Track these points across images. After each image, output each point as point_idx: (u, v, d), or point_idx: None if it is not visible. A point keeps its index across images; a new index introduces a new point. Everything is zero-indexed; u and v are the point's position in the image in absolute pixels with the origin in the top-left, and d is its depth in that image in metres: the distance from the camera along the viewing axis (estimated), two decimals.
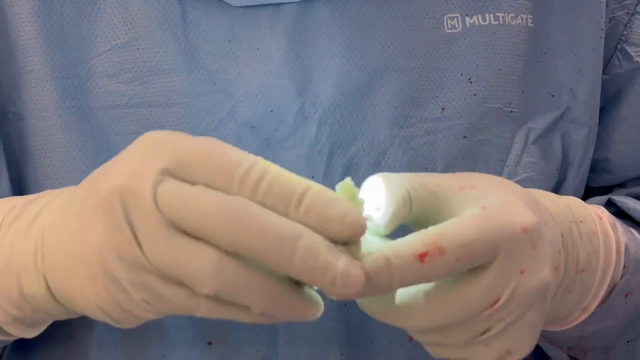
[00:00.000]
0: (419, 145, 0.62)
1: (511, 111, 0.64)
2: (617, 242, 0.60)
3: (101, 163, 0.61)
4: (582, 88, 0.66)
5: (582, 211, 0.60)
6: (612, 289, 0.60)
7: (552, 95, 0.66)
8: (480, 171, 0.63)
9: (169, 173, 0.45)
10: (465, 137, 0.63)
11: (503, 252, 0.48)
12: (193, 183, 0.45)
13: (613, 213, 0.66)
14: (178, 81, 0.61)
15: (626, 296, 0.61)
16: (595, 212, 0.61)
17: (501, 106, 0.64)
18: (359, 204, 0.48)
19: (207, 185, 0.45)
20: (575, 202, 0.61)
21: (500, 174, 0.64)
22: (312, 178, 0.61)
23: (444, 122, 0.62)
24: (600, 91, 0.67)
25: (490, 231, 0.48)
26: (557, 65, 0.66)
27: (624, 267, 0.60)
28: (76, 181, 0.61)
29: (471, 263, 0.48)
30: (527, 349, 0.51)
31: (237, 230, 0.43)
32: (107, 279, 0.46)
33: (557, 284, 0.53)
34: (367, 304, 0.50)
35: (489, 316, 0.48)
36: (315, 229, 0.44)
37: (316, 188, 0.45)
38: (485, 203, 0.49)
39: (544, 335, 0.64)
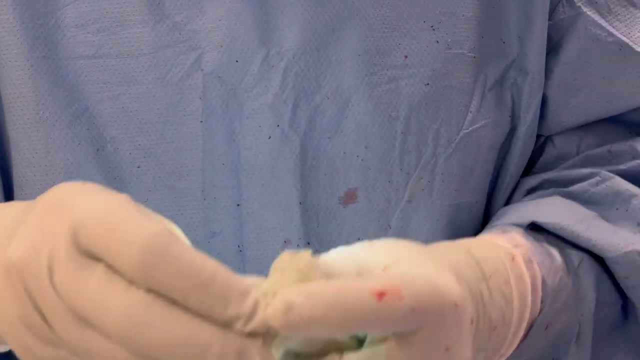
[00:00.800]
0: (382, 93, 0.63)
1: (474, 57, 0.65)
2: (533, 279, 0.59)
3: (72, 114, 0.62)
4: (528, 35, 0.67)
5: (491, 262, 0.57)
6: (530, 325, 0.59)
7: (504, 42, 0.67)
8: (443, 118, 0.64)
9: (69, 243, 0.41)
10: (427, 84, 0.64)
11: (433, 324, 0.43)
12: (94, 256, 0.41)
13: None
14: (144, 32, 0.62)
15: (546, 328, 0.60)
16: (508, 253, 0.59)
17: (464, 52, 0.65)
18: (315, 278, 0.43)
19: (107, 264, 0.41)
20: (484, 249, 0.58)
21: (463, 120, 0.65)
22: (278, 127, 0.62)
23: (407, 70, 0.63)
24: (546, 38, 0.68)
25: (442, 291, 0.43)
26: (509, 10, 0.66)
27: (542, 301, 0.59)
28: (45, 134, 0.62)
29: (419, 319, 0.42)
30: None
31: (137, 344, 0.39)
32: (26, 351, 0.45)
33: None
34: None
35: None
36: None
37: (222, 276, 0.39)
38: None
39: None
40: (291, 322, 0.39)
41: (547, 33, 0.69)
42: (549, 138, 0.73)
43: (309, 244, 0.63)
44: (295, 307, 0.39)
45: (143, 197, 0.62)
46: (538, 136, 0.72)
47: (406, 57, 0.63)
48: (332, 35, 0.63)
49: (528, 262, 0.59)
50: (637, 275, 0.65)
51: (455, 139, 0.65)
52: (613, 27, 0.69)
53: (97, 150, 0.62)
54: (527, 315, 0.58)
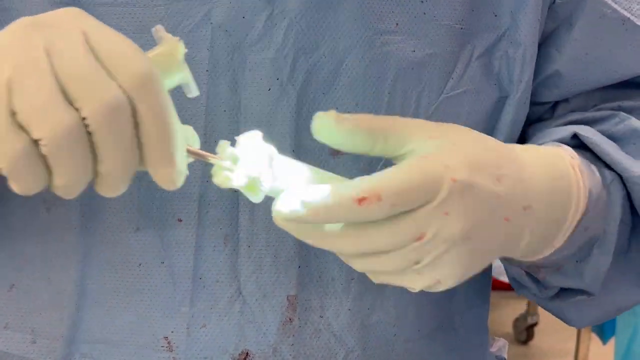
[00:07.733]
0: (374, 56, 0.69)
1: (461, 28, 0.71)
2: (584, 188, 0.68)
3: None
4: (522, 9, 0.72)
5: (561, 167, 0.67)
6: (575, 226, 0.68)
7: (495, 15, 0.72)
8: (426, 82, 0.70)
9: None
10: (414, 51, 0.69)
11: (428, 200, 0.56)
12: None
13: (575, 145, 0.73)
14: None
15: (585, 230, 0.69)
16: (571, 163, 0.68)
17: (451, 23, 0.70)
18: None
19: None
20: (554, 157, 0.68)
21: (444, 86, 0.71)
22: (278, 80, 0.68)
23: (397, 36, 0.69)
24: (540, 14, 0.73)
25: (422, 181, 0.56)
26: None
27: (586, 207, 0.68)
28: None
29: (404, 208, 0.56)
30: (454, 281, 0.59)
31: None
32: None
33: (528, 223, 0.62)
34: (296, 230, 0.58)
35: (418, 248, 0.56)
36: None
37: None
38: (425, 153, 0.57)
39: (506, 259, 0.73)
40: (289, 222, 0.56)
41: (555, 10, 0.75)
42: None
43: None
44: (299, 213, 0.55)
45: None
46: (546, 102, 0.79)
47: (397, 24, 0.69)
48: (332, 0, 0.68)
49: (582, 173, 0.68)
50: None
51: (436, 101, 0.71)
52: (616, 3, 0.75)
53: None
54: (578, 217, 0.68)
